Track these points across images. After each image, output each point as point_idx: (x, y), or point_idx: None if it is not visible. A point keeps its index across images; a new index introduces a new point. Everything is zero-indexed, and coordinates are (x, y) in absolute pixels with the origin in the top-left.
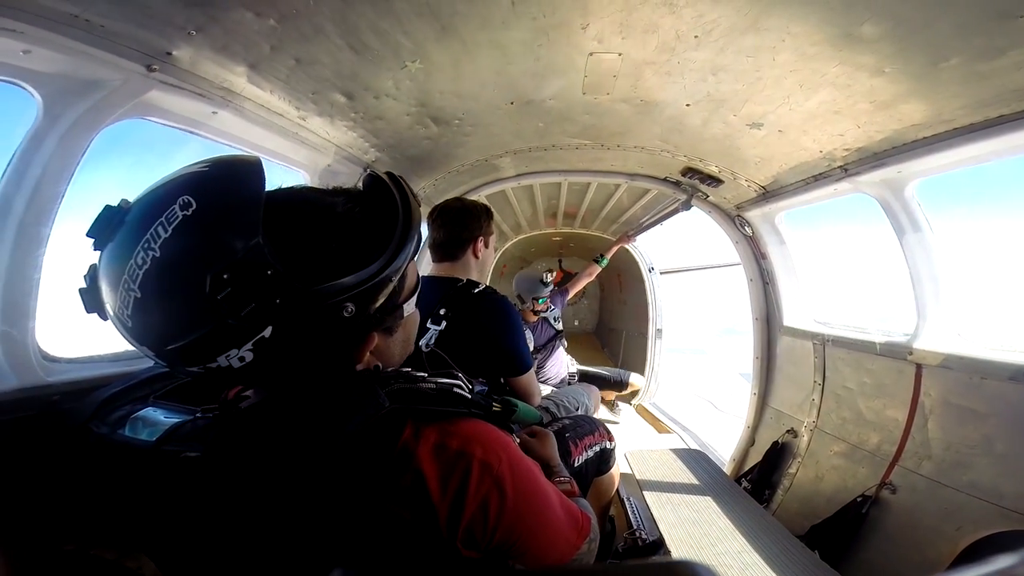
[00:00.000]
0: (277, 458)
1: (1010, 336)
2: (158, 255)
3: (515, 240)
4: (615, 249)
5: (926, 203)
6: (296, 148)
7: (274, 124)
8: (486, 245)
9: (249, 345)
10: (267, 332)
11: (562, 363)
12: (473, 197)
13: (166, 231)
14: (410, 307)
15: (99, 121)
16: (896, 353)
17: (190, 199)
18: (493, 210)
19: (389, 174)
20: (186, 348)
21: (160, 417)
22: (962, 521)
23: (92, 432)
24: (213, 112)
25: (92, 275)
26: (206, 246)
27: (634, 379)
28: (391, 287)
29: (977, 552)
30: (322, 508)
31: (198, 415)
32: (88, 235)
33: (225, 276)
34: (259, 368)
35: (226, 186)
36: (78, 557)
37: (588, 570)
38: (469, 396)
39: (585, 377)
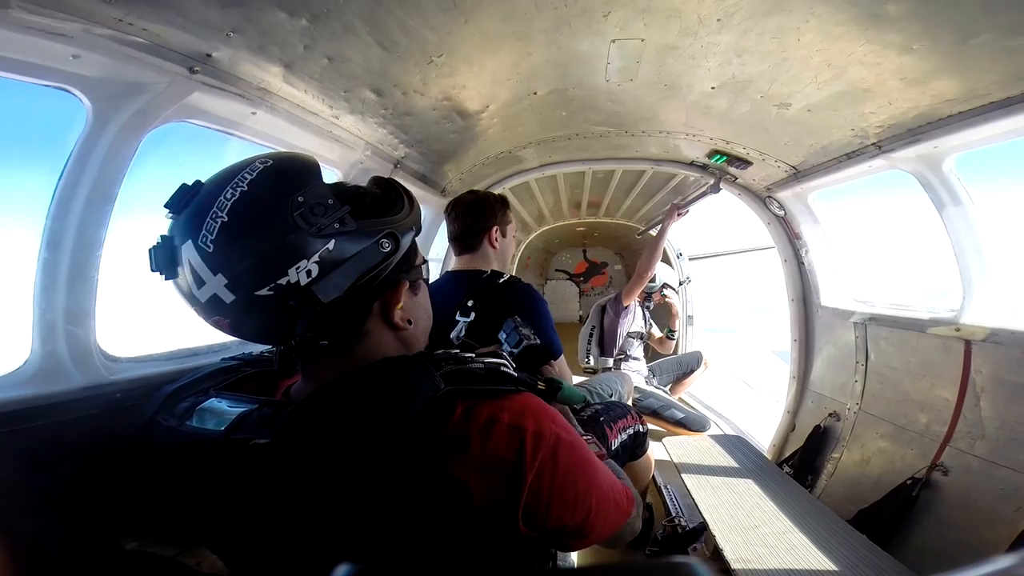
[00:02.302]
0: (344, 444)
1: None
2: (246, 189)
3: (539, 231)
4: (670, 227)
5: (966, 176)
6: (330, 146)
7: (309, 123)
8: (503, 235)
9: (316, 257)
10: (331, 245)
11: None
12: (497, 189)
13: (251, 175)
14: (424, 271)
15: (146, 124)
16: (942, 328)
17: (266, 159)
18: (510, 200)
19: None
20: (262, 260)
21: (225, 407)
22: (1021, 502)
23: (161, 425)
24: (252, 112)
25: (163, 237)
26: (284, 181)
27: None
28: (411, 237)
29: None
30: (391, 497)
31: (264, 403)
32: (165, 206)
33: (300, 199)
34: (318, 294)
35: (291, 154)
36: (137, 556)
37: (588, 570)
38: (516, 375)
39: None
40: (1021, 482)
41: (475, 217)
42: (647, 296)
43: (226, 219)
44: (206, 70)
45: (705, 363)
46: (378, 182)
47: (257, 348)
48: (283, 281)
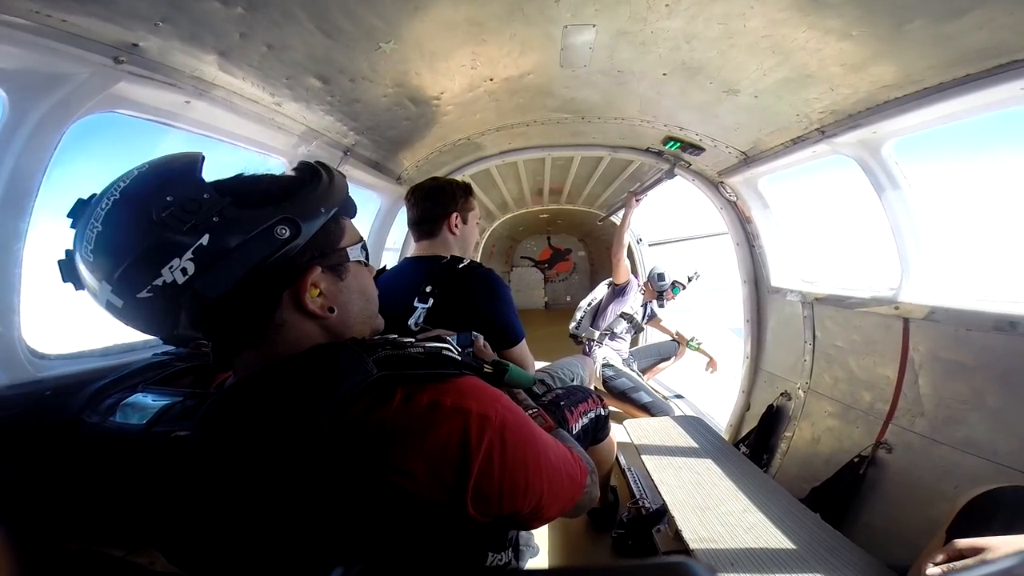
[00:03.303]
0: (263, 433)
1: (994, 286)
2: (118, 197)
3: (502, 219)
4: (631, 215)
5: (904, 160)
6: (273, 134)
7: (249, 111)
8: (464, 221)
9: (189, 253)
10: (204, 240)
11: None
12: (457, 176)
13: (126, 183)
14: (355, 253)
15: (68, 115)
16: (883, 307)
17: (145, 164)
18: (473, 187)
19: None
20: (134, 265)
21: (149, 401)
22: (959, 479)
23: (84, 422)
24: (186, 101)
25: (67, 251)
26: (156, 182)
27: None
28: (322, 220)
29: (978, 509)
30: (317, 487)
31: (188, 395)
32: (68, 216)
33: (168, 199)
34: (203, 291)
35: (169, 156)
36: (85, 556)
37: (588, 570)
38: (459, 358)
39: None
40: (958, 460)
41: (434, 203)
42: (659, 295)
43: (100, 228)
44: (133, 60)
45: (680, 353)
46: (298, 166)
47: None
48: (159, 282)
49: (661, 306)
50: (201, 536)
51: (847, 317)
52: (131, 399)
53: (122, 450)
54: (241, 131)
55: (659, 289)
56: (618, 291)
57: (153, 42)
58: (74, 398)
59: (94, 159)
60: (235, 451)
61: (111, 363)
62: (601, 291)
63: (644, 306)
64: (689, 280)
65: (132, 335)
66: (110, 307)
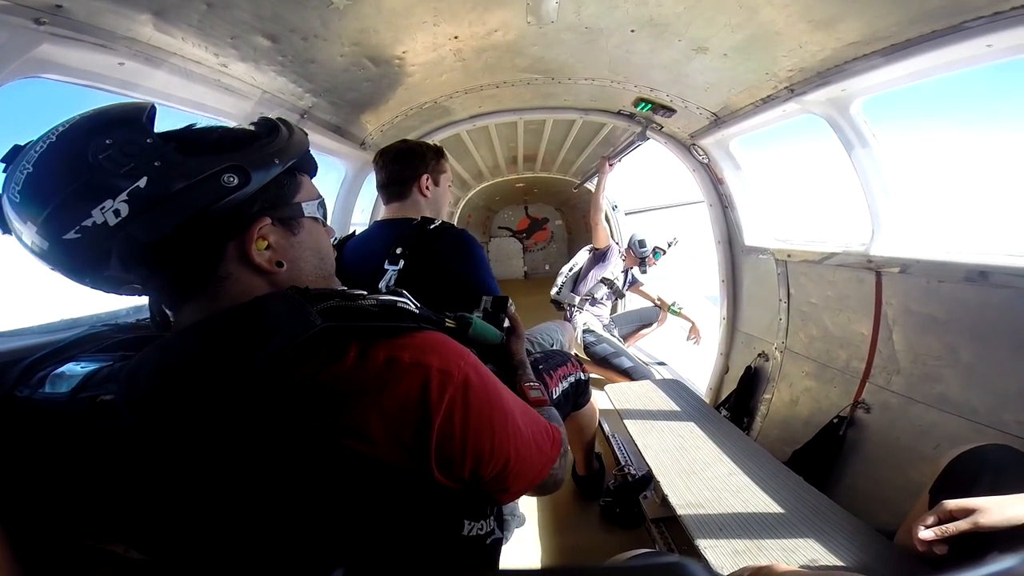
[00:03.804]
0: (187, 391)
1: (965, 238)
2: (54, 140)
3: (477, 188)
4: (605, 180)
5: (875, 120)
6: (220, 97)
7: (192, 72)
8: (436, 183)
9: (124, 196)
10: (142, 183)
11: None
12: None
13: (64, 127)
14: (311, 209)
15: None
16: (855, 261)
17: (89, 111)
18: (445, 150)
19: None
20: (63, 205)
21: (78, 369)
22: (938, 438)
23: (16, 398)
24: (120, 63)
25: None
26: (92, 127)
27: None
28: (275, 171)
29: (961, 469)
30: (253, 451)
31: (118, 358)
32: (1, 160)
33: (108, 142)
34: (137, 234)
35: (114, 105)
36: (55, 547)
37: (588, 570)
38: (416, 311)
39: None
40: (936, 418)
41: (403, 165)
42: (641, 261)
43: (31, 170)
44: (56, 21)
45: (662, 319)
46: (258, 120)
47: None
48: (88, 223)
49: (643, 272)
50: (146, 514)
51: (820, 272)
52: (61, 369)
53: (49, 421)
54: (185, 94)
55: (641, 255)
56: (599, 256)
57: (78, 3)
58: (8, 375)
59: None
60: (162, 414)
61: (51, 339)
62: (582, 257)
63: (625, 272)
64: (669, 245)
65: (74, 310)
66: (35, 249)
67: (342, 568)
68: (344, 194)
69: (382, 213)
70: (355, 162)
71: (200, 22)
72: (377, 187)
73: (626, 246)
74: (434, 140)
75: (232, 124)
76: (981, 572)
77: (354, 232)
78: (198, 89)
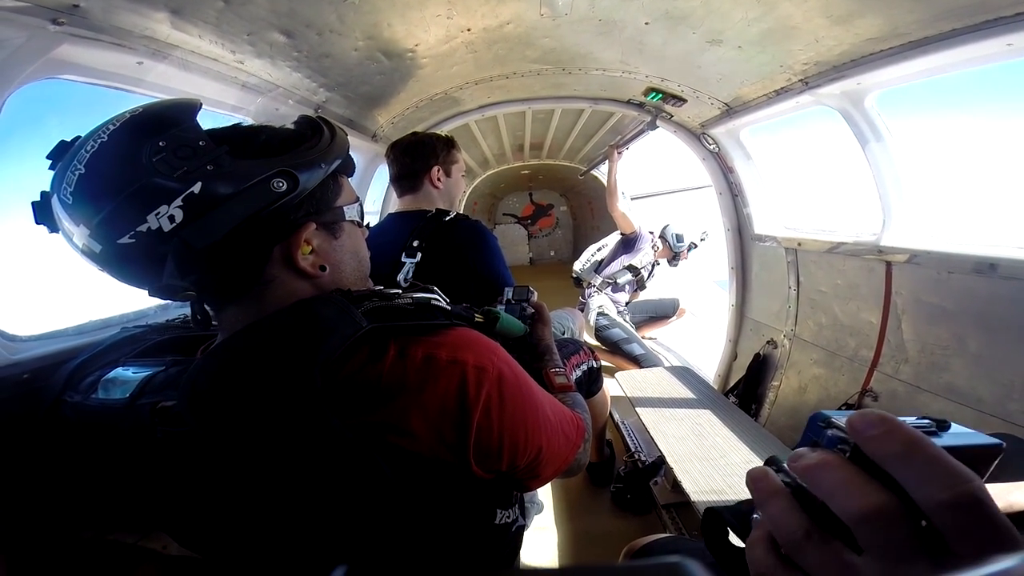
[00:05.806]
0: (253, 395)
1: (975, 230)
2: (106, 140)
3: (483, 176)
4: (615, 167)
5: (885, 108)
6: (238, 94)
7: (209, 70)
8: (448, 174)
9: (179, 201)
10: (196, 188)
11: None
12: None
13: (115, 125)
14: (352, 212)
15: (7, 83)
16: (865, 251)
17: (137, 108)
18: (455, 141)
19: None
20: (118, 209)
21: (130, 374)
22: None
23: (66, 403)
24: (138, 63)
25: (43, 193)
26: (145, 127)
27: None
28: (321, 175)
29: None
30: (318, 451)
31: (171, 363)
32: (48, 157)
33: (161, 143)
34: (190, 239)
35: (164, 101)
36: (96, 544)
37: (588, 570)
38: (448, 307)
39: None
40: (943, 407)
41: (413, 158)
42: (675, 256)
43: (83, 171)
44: (74, 21)
45: (680, 311)
46: (299, 120)
47: (175, 312)
48: (143, 228)
49: (674, 265)
50: (204, 514)
51: (830, 261)
52: (111, 374)
53: (108, 427)
54: (201, 91)
55: (677, 250)
56: (627, 242)
57: (95, 2)
58: (52, 379)
59: (45, 131)
60: (226, 419)
61: (87, 340)
62: (613, 239)
63: (653, 264)
64: (701, 240)
65: (105, 311)
66: (86, 251)
67: (344, 567)
68: (355, 186)
69: (396, 205)
70: (366, 155)
71: (217, 19)
72: (390, 180)
73: (658, 236)
74: (443, 131)
75: (249, 121)
76: (981, 572)
77: (368, 224)
78: (216, 87)
